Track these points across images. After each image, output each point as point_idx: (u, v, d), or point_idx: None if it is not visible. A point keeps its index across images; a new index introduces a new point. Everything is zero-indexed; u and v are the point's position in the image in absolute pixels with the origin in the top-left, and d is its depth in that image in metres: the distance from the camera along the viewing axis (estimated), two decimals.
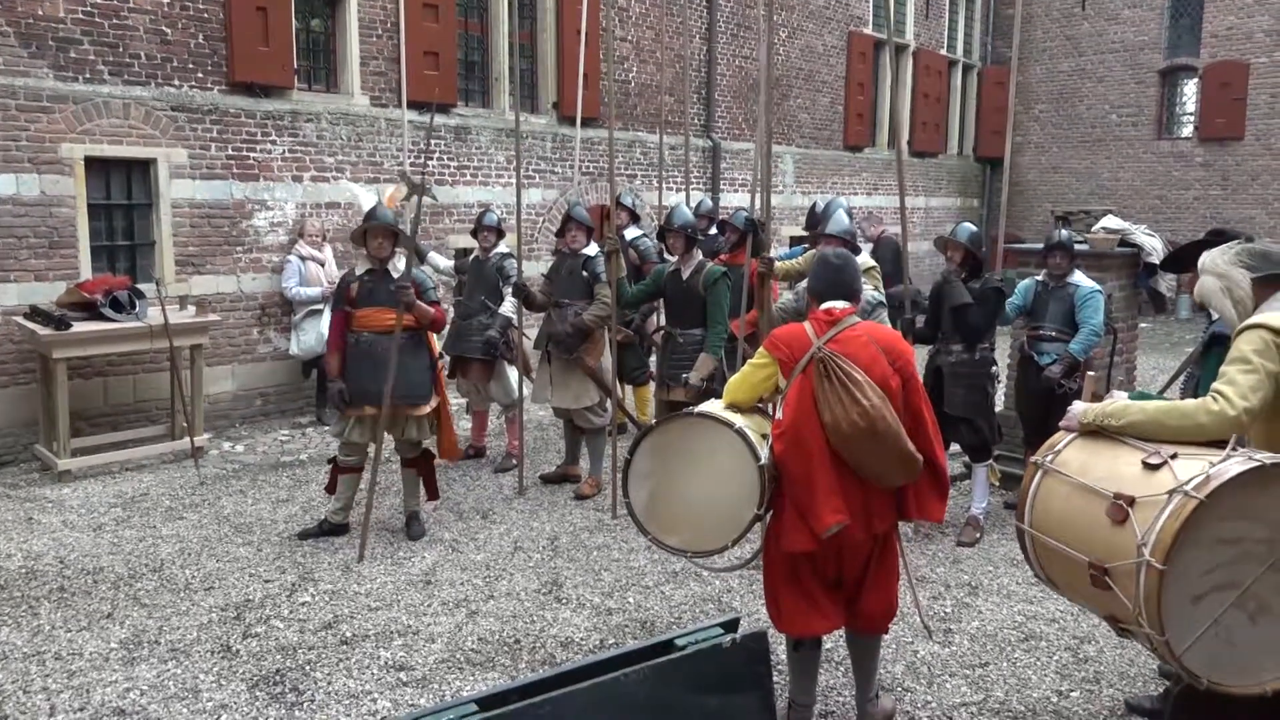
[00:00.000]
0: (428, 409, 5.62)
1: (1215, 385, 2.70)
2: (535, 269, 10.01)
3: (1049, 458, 2.88)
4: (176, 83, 8.00)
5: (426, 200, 6.02)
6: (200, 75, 8.14)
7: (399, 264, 5.66)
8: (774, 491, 3.37)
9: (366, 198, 8.51)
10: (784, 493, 3.35)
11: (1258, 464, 2.45)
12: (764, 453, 3.32)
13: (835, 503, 3.22)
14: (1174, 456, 2.59)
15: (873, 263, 6.24)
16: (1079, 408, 2.94)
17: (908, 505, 3.42)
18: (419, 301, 5.42)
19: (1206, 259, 3.09)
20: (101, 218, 7.76)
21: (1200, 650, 2.47)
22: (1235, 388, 2.63)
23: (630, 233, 7.81)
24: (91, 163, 7.54)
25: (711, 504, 3.41)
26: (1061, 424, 3.00)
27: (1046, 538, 2.82)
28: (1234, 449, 2.57)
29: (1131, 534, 2.50)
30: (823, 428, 3.23)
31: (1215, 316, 3.88)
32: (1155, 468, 2.58)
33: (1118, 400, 2.90)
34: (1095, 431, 2.84)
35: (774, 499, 3.40)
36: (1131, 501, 2.53)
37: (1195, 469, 2.49)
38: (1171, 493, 2.46)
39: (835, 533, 3.23)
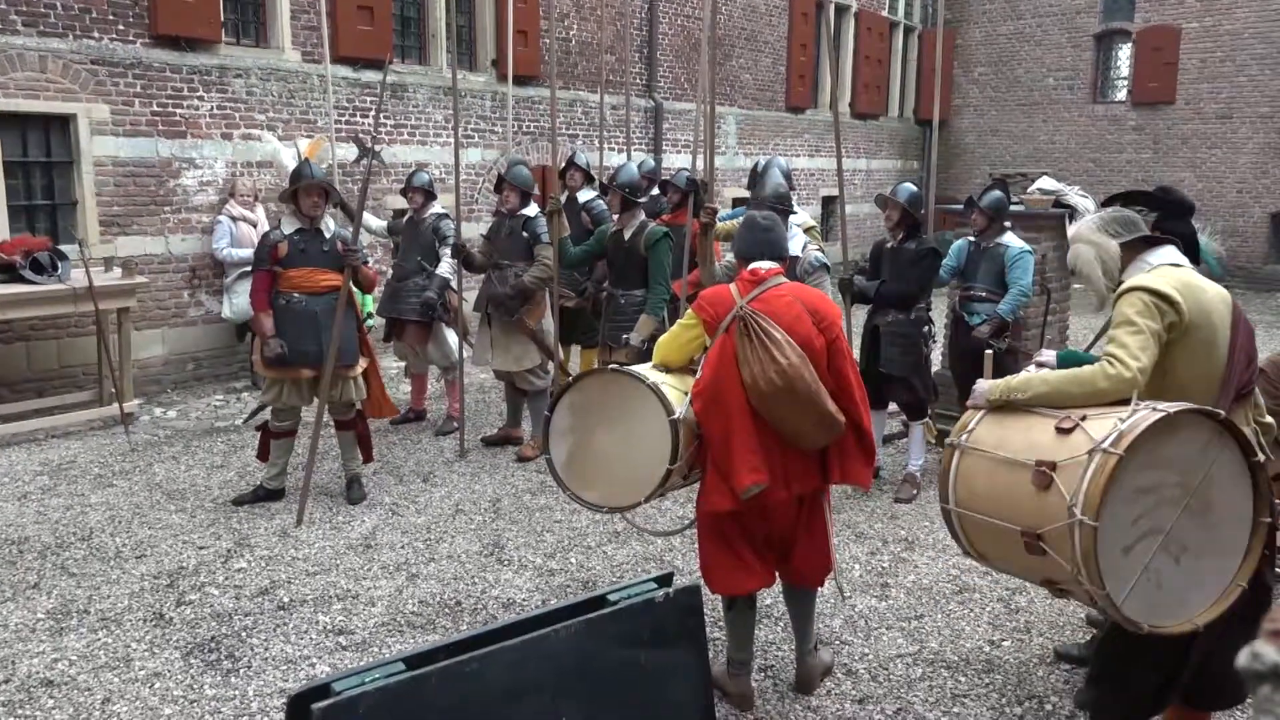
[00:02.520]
0: (359, 369, 5.55)
1: (1107, 349, 2.82)
2: (474, 230, 9.86)
3: (963, 437, 2.95)
4: (96, 35, 7.67)
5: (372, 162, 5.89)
6: (122, 27, 7.81)
7: (330, 223, 5.53)
8: (698, 449, 3.38)
9: (286, 152, 8.29)
10: (707, 452, 3.36)
11: (1163, 414, 2.58)
12: (680, 409, 3.33)
13: (753, 461, 3.22)
14: (1084, 419, 2.70)
15: (814, 223, 6.26)
16: (984, 386, 3.01)
17: (831, 468, 3.41)
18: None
19: (1078, 229, 3.19)
20: (18, 176, 7.46)
21: (1137, 598, 2.58)
22: (1126, 350, 2.76)
23: (584, 194, 7.59)
24: (5, 118, 7.23)
25: (627, 459, 3.43)
26: (969, 403, 3.07)
27: (974, 514, 2.88)
28: (1138, 404, 2.68)
29: (1059, 497, 2.59)
30: (743, 387, 3.23)
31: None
32: (1068, 432, 2.69)
33: (1019, 374, 2.98)
34: (1003, 406, 2.93)
35: (700, 459, 3.41)
36: (1054, 466, 2.63)
37: (1107, 427, 2.60)
38: (1091, 452, 2.56)
39: (755, 494, 3.23)
